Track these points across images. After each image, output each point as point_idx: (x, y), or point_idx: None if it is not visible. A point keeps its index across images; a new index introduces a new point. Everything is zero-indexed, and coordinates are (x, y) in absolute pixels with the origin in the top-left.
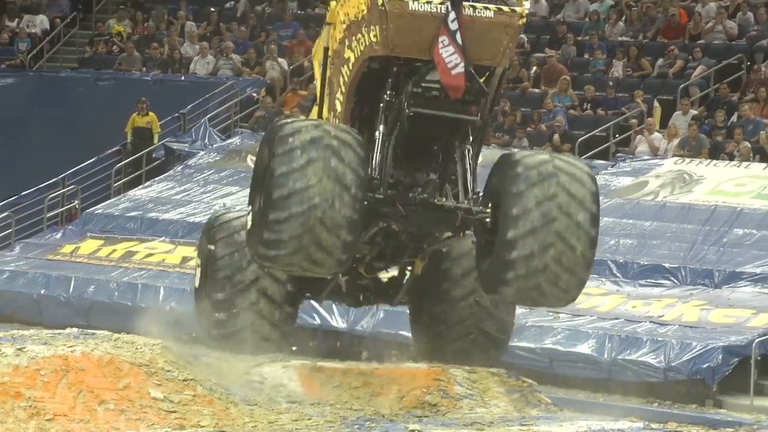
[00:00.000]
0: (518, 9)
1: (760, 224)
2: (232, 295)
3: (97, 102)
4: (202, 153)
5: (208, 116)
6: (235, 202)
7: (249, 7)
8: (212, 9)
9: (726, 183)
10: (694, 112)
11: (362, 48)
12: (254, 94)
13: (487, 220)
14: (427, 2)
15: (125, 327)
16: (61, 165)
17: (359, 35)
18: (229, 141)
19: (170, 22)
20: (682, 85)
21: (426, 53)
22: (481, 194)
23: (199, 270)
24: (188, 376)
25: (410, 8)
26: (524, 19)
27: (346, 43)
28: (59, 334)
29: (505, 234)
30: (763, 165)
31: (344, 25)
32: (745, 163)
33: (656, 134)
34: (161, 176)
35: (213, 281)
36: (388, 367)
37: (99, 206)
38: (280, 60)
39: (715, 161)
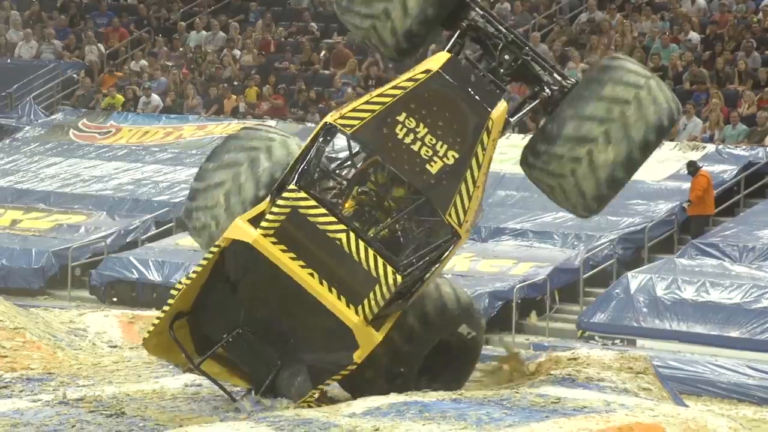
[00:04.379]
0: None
1: (519, 187)
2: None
3: None
4: (28, 128)
5: (33, 95)
6: (59, 171)
7: None
8: None
9: None
10: None
11: None
12: (74, 75)
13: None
14: None
15: None
16: None
17: None
18: (53, 117)
19: None
20: None
21: None
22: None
23: None
24: (18, 324)
25: None
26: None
27: None
28: None
29: (563, 109)
30: (522, 136)
31: None
32: (506, 135)
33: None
34: None
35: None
36: None
37: None
38: (98, 45)
39: None
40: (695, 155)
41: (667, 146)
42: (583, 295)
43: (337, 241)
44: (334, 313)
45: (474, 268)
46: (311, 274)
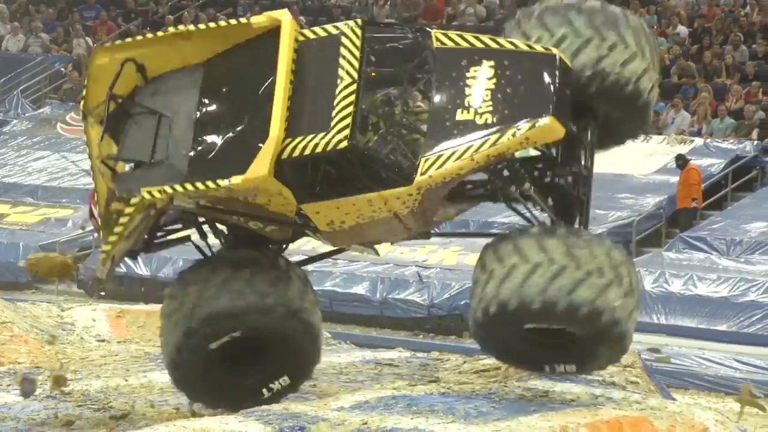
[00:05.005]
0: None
1: None
2: None
3: None
4: (15, 121)
5: (21, 88)
6: (46, 164)
7: None
8: None
9: None
10: None
11: None
12: (62, 69)
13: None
14: None
15: None
16: None
17: None
18: (40, 111)
19: None
20: None
21: None
22: None
23: None
24: (6, 318)
25: None
26: None
27: None
28: None
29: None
30: None
31: None
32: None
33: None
34: None
35: None
36: None
37: None
38: (86, 38)
39: None
40: (683, 149)
41: (655, 140)
42: None
43: (338, 80)
44: (267, 124)
45: (462, 262)
46: (289, 88)
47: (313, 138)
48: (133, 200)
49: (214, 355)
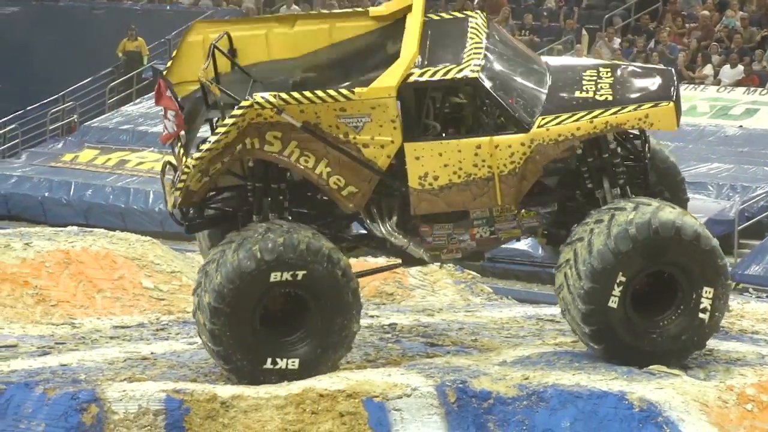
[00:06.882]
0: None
1: (673, 137)
2: None
3: (92, 28)
4: None
5: None
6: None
7: None
8: None
9: None
10: (618, 39)
11: None
12: None
13: None
14: None
15: (119, 226)
16: (61, 83)
17: None
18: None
19: None
20: (606, 16)
21: None
22: None
23: None
24: (175, 268)
25: None
26: None
27: None
28: (61, 231)
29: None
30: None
31: None
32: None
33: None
34: (150, 94)
35: None
36: (351, 262)
37: (95, 120)
38: None
39: None
40: None
41: None
42: (738, 247)
43: (468, 39)
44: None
45: None
46: (420, 33)
47: (444, 67)
48: (244, 102)
49: None
